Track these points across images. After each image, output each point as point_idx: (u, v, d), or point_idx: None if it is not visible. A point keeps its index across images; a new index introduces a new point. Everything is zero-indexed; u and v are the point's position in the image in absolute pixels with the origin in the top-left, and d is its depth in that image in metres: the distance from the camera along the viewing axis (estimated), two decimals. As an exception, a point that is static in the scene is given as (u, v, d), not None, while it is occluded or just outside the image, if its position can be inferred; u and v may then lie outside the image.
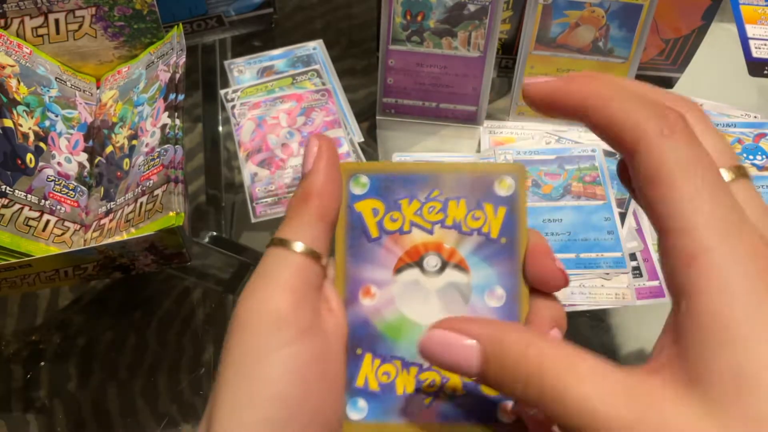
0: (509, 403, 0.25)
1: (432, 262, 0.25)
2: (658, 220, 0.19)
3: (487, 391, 0.25)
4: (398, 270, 0.25)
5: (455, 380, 0.25)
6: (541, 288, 0.25)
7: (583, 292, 0.48)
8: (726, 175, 0.20)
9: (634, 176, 0.20)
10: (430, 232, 0.25)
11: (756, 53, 0.60)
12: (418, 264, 0.25)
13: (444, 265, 0.25)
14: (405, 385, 0.25)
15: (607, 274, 0.48)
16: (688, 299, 0.18)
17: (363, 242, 0.25)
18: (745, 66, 0.59)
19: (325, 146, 0.25)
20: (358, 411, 0.25)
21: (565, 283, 0.25)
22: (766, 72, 0.59)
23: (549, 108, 0.23)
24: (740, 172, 0.20)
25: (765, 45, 0.60)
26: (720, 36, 0.62)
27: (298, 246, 0.23)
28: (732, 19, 0.62)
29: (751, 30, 0.61)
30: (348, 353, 0.25)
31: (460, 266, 0.25)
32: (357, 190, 0.26)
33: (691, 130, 0.20)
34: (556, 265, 0.25)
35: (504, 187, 0.25)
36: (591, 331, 0.49)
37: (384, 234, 0.25)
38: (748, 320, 0.17)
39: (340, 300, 0.25)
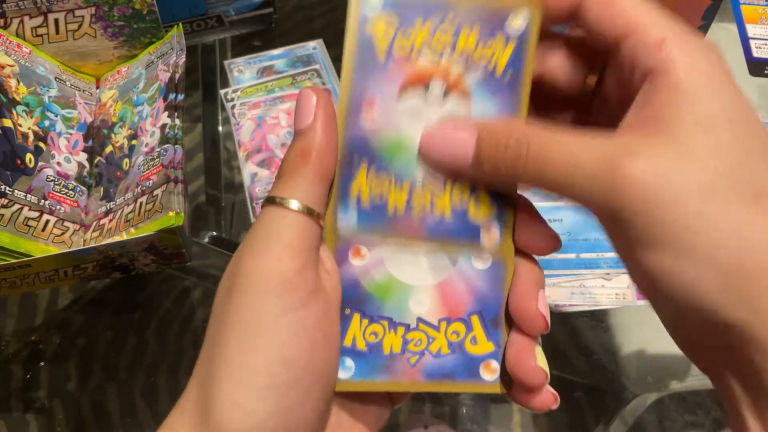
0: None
1: (437, 89, 0.25)
2: (616, 32, 0.23)
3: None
4: (402, 91, 0.25)
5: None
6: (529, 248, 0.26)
7: (584, 293, 0.48)
8: None
9: (591, 25, 0.24)
10: (440, 57, 0.25)
11: (756, 53, 0.59)
12: (425, 88, 0.25)
13: (447, 93, 0.25)
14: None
15: (608, 274, 0.48)
16: (663, 74, 0.21)
17: (371, 62, 0.25)
18: (745, 66, 0.59)
19: (323, 100, 0.24)
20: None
21: (557, 248, 0.26)
22: (766, 72, 0.59)
23: None
24: None
25: (765, 45, 0.60)
26: (720, 36, 0.62)
27: (298, 205, 0.23)
28: (732, 19, 0.62)
29: (751, 30, 0.61)
30: None
31: (463, 95, 0.26)
32: (369, 7, 0.25)
33: None
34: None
35: (517, 22, 0.25)
36: (591, 331, 0.49)
37: (391, 60, 0.25)
38: (706, 83, 0.21)
39: (334, 260, 0.25)
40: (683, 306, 0.20)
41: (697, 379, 0.49)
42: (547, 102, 0.28)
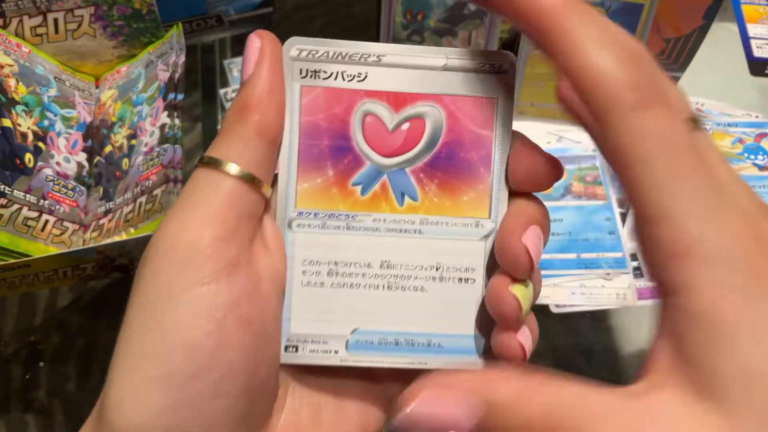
0: None
1: None
2: (634, 203, 0.17)
3: None
4: None
5: None
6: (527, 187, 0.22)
7: (584, 293, 0.48)
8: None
9: (599, 144, 0.18)
10: None
11: (757, 53, 0.59)
12: None
13: None
14: None
15: (608, 274, 0.48)
16: (684, 297, 0.17)
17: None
18: (746, 65, 0.59)
19: (269, 46, 0.21)
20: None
21: (559, 173, 0.21)
22: (767, 71, 0.59)
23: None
24: (695, 125, 0.18)
25: (766, 44, 0.60)
26: (721, 35, 0.61)
27: (233, 168, 0.20)
28: (733, 19, 0.62)
29: (752, 29, 0.61)
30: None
31: None
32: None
33: (665, 98, 0.17)
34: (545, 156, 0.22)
35: None
36: (591, 331, 0.49)
37: None
38: (747, 317, 0.16)
39: (280, 236, 0.22)
40: None
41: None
42: None
